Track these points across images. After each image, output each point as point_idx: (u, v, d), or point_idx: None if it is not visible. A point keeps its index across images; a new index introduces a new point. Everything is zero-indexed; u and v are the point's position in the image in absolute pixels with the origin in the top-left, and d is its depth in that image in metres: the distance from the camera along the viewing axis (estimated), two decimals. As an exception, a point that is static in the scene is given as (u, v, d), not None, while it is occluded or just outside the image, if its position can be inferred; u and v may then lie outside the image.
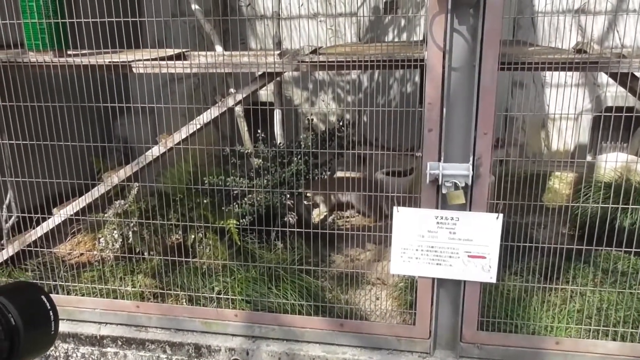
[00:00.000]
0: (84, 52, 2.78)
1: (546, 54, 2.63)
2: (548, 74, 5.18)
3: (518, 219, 2.71)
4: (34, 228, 3.03)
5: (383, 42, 2.99)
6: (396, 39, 5.48)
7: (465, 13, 2.14)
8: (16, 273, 3.04)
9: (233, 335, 2.70)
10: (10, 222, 3.09)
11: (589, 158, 4.92)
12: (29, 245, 3.03)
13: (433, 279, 2.40)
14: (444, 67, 2.19)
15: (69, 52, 2.78)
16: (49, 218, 3.00)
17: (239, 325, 2.68)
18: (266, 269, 2.75)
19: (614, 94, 4.94)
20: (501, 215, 2.24)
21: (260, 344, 2.64)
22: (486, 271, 2.31)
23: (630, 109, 2.68)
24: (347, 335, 2.58)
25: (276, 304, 2.66)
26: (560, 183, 4.72)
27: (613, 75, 2.55)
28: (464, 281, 2.37)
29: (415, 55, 2.42)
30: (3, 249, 3.10)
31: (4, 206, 3.06)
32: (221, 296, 2.72)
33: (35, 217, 2.98)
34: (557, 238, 3.31)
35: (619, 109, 2.56)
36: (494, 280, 2.31)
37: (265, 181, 2.96)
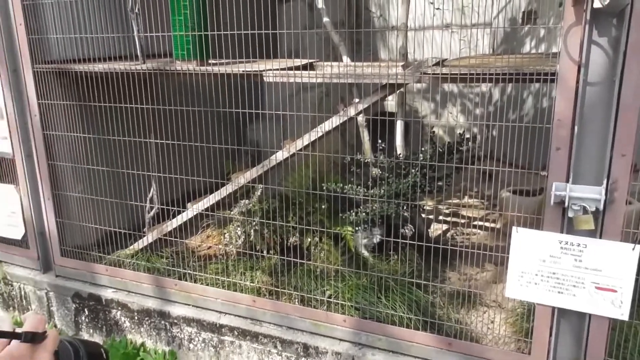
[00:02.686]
0: (222, 61, 3.02)
1: None
2: None
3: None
4: (170, 220, 3.36)
5: (513, 55, 2.86)
6: (533, 51, 5.19)
7: (607, 23, 1.97)
8: (154, 258, 3.38)
9: (340, 340, 2.75)
10: (152, 213, 3.43)
11: None
12: (165, 235, 3.36)
13: (553, 308, 2.24)
14: (577, 82, 2.04)
15: (210, 62, 3.05)
16: (183, 212, 3.29)
17: (346, 331, 2.73)
18: (377, 278, 2.76)
19: None
20: (638, 246, 2.03)
21: (365, 352, 2.65)
22: (617, 306, 2.10)
23: None
24: (455, 355, 2.49)
25: (384, 314, 2.66)
26: None
27: None
28: (590, 314, 2.17)
29: (546, 68, 2.28)
30: (144, 236, 3.47)
31: (148, 198, 3.42)
32: (331, 300, 2.78)
33: (172, 210, 3.30)
34: None
35: None
36: (625, 318, 2.09)
37: (381, 191, 2.98)
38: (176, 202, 3.29)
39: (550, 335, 2.26)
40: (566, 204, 2.08)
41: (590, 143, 2.07)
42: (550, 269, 2.18)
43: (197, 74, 2.89)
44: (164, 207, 3.32)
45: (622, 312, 2.09)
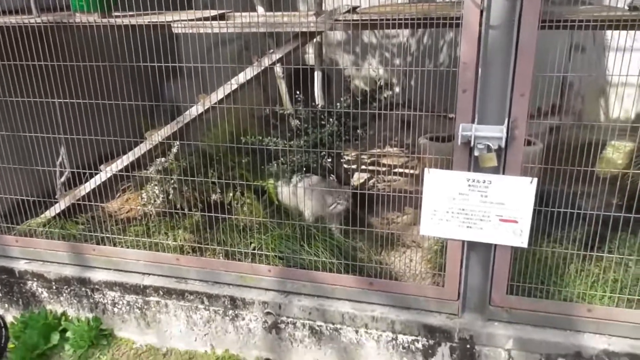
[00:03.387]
0: (128, 13, 2.85)
1: (596, 11, 2.49)
2: (610, 36, 4.89)
3: (564, 187, 2.63)
4: (84, 184, 3.21)
5: (424, 3, 2.91)
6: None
7: (506, -33, 2.05)
8: (68, 225, 3.24)
9: (266, 289, 2.80)
10: (63, 178, 3.26)
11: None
12: (79, 200, 3.22)
13: (463, 241, 2.39)
14: (480, 26, 2.12)
15: (114, 14, 2.87)
16: (96, 174, 3.16)
17: (272, 280, 2.78)
18: (298, 227, 2.81)
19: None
20: (535, 179, 2.19)
21: (292, 298, 2.72)
22: (517, 235, 2.27)
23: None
24: (377, 294, 2.62)
25: (308, 261, 2.73)
26: (616, 152, 4.51)
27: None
28: (495, 245, 2.34)
29: (451, 13, 2.35)
30: (57, 203, 3.30)
31: (57, 162, 3.23)
32: (256, 252, 2.81)
33: (85, 173, 3.15)
34: (605, 208, 3.19)
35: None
36: (525, 245, 2.27)
37: (301, 142, 3.00)
38: (90, 165, 3.14)
39: (461, 267, 2.43)
40: (472, 143, 2.19)
41: (493, 84, 2.18)
42: (460, 205, 2.32)
43: (100, 27, 2.72)
44: (76, 170, 3.16)
45: (522, 241, 2.27)
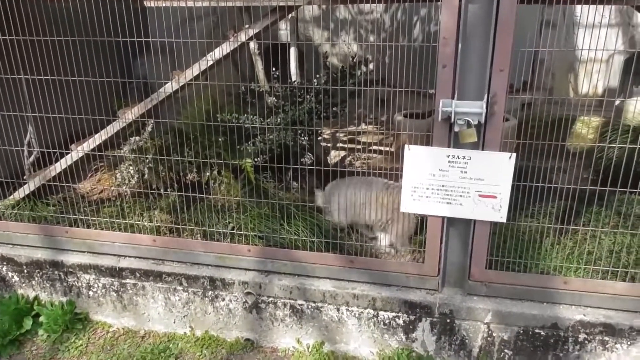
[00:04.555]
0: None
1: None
2: (579, 13, 4.95)
3: (538, 163, 2.66)
4: (54, 164, 3.10)
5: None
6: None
7: (486, -60, 2.02)
8: (39, 207, 3.14)
9: (246, 269, 2.77)
10: (31, 158, 3.15)
11: (617, 102, 4.76)
12: (49, 181, 3.11)
13: (443, 218, 2.40)
14: (460, 0, 2.10)
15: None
16: (67, 154, 3.05)
17: (252, 260, 2.75)
18: (278, 206, 2.78)
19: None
20: (514, 154, 2.20)
21: (272, 278, 2.70)
22: (496, 211, 2.29)
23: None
24: (357, 272, 2.62)
25: (288, 240, 2.71)
26: (586, 128, 4.60)
27: (641, 9, 2.41)
28: (474, 220, 2.36)
29: (432, -13, 2.32)
30: (25, 184, 3.19)
31: (25, 142, 3.12)
32: (235, 232, 2.77)
33: (55, 152, 3.04)
34: (577, 182, 3.25)
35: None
36: (504, 220, 2.30)
37: (278, 120, 2.95)
38: (60, 144, 3.03)
39: (441, 243, 2.44)
40: (452, 119, 2.19)
41: (473, 59, 2.17)
42: (440, 182, 2.32)
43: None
44: (45, 150, 3.05)
45: (501, 216, 2.29)
